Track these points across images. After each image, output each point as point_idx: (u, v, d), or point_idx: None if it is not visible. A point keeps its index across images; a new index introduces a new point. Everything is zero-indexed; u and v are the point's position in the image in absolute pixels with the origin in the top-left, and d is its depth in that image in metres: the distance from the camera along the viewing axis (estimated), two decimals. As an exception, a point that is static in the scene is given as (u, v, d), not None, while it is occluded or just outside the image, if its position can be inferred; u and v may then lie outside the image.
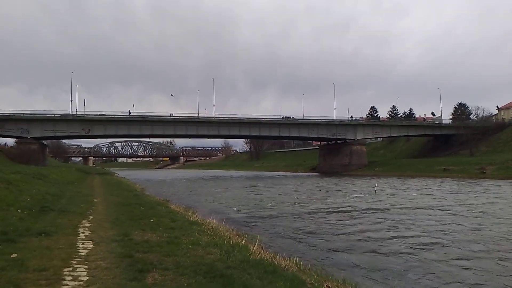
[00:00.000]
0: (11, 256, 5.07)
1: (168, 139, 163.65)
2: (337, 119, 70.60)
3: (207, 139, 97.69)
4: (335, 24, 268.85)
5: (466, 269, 7.77)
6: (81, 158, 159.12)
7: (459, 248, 9.57)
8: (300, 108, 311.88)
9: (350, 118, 73.84)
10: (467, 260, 8.45)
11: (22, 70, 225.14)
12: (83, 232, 7.42)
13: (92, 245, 6.22)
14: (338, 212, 16.93)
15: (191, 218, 11.10)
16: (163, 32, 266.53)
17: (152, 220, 9.33)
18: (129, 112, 62.19)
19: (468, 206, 17.79)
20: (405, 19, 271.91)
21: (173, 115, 64.13)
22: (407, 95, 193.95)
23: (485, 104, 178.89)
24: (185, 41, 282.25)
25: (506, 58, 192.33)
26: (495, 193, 24.04)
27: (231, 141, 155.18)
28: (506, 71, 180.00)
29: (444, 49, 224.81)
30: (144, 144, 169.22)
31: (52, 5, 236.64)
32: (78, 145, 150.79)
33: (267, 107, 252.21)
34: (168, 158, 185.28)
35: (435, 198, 21.78)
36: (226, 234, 8.70)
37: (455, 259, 8.52)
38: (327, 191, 28.32)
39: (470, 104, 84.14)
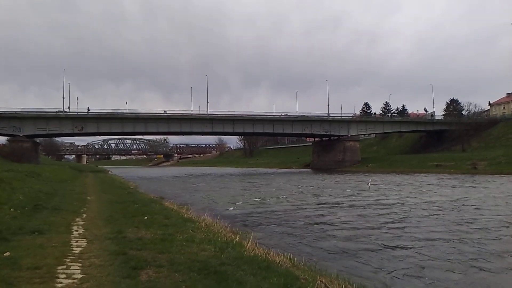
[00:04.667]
0: (4, 254, 5.05)
1: (162, 136, 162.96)
2: (330, 115, 70.79)
3: (201, 136, 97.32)
4: (326, 20, 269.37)
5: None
6: (74, 156, 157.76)
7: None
8: (293, 105, 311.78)
9: (342, 115, 73.57)
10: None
11: (13, 68, 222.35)
12: (76, 230, 7.41)
13: (86, 243, 6.22)
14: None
15: (185, 215, 11.10)
16: (153, 28, 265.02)
17: (146, 217, 9.31)
18: (88, 109, 60.76)
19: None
20: (396, 15, 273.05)
21: (167, 112, 63.87)
22: (399, 91, 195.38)
23: (476, 100, 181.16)
24: (176, 37, 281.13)
25: (497, 54, 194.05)
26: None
27: (225, 138, 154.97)
28: (497, 67, 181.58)
29: (435, 44, 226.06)
30: (137, 142, 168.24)
31: (41, 1, 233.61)
32: (71, 143, 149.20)
33: (260, 103, 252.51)
34: (162, 156, 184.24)
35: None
36: (220, 231, 8.71)
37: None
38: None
39: (462, 100, 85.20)
